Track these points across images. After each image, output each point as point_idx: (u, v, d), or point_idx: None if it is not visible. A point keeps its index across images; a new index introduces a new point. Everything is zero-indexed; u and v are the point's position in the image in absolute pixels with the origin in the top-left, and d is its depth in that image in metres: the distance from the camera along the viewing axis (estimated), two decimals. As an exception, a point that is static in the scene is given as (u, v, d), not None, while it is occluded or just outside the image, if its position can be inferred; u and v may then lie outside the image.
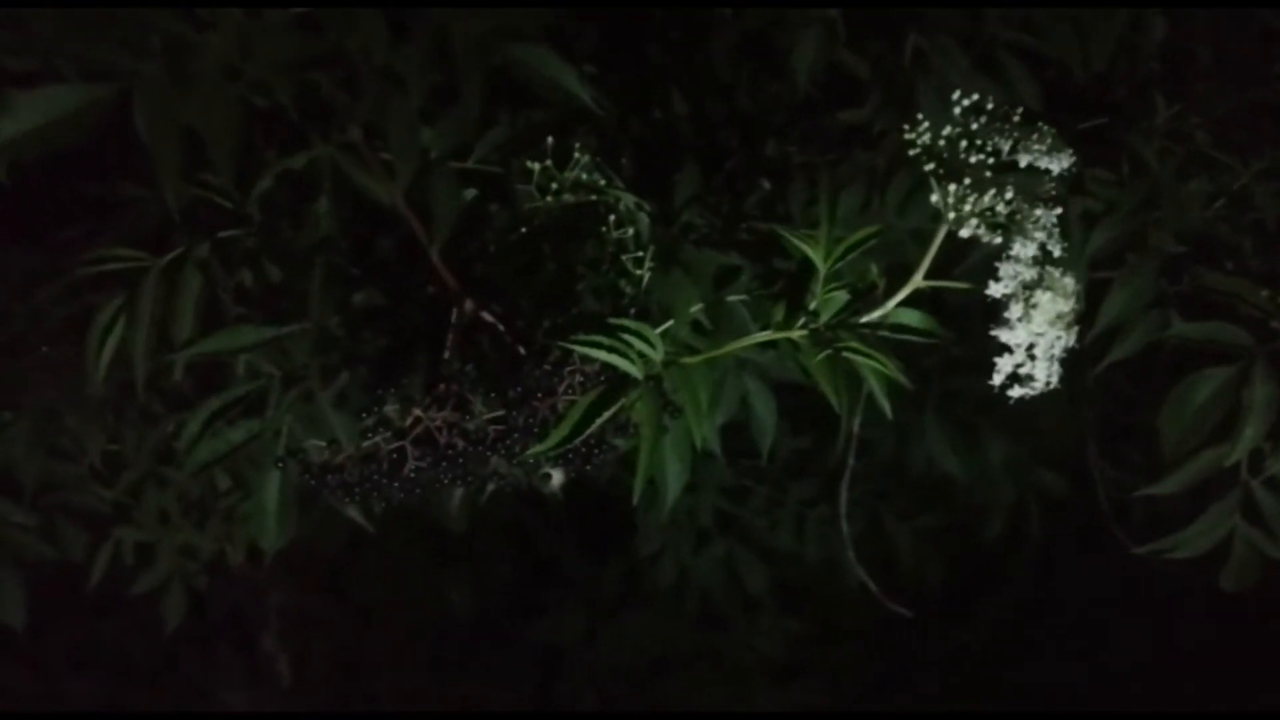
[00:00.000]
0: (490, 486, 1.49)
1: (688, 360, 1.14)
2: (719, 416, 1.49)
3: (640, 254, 1.19)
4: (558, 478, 1.59)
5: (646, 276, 1.21)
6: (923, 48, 1.51)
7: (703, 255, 1.24)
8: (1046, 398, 2.35)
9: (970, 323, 1.94)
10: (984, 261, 1.06)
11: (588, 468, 1.30)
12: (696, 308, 1.25)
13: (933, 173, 1.01)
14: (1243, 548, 1.55)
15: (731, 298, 1.26)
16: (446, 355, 1.12)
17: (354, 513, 1.51)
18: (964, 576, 2.54)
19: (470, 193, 1.23)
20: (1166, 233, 1.50)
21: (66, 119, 1.18)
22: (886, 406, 1.16)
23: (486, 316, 1.16)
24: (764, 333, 1.15)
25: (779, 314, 1.14)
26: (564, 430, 1.05)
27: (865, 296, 1.12)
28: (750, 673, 2.91)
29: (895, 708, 2.96)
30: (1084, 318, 1.47)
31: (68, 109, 1.18)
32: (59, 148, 1.23)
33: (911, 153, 1.02)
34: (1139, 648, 2.71)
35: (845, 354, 1.09)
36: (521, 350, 1.12)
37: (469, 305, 1.17)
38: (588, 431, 1.05)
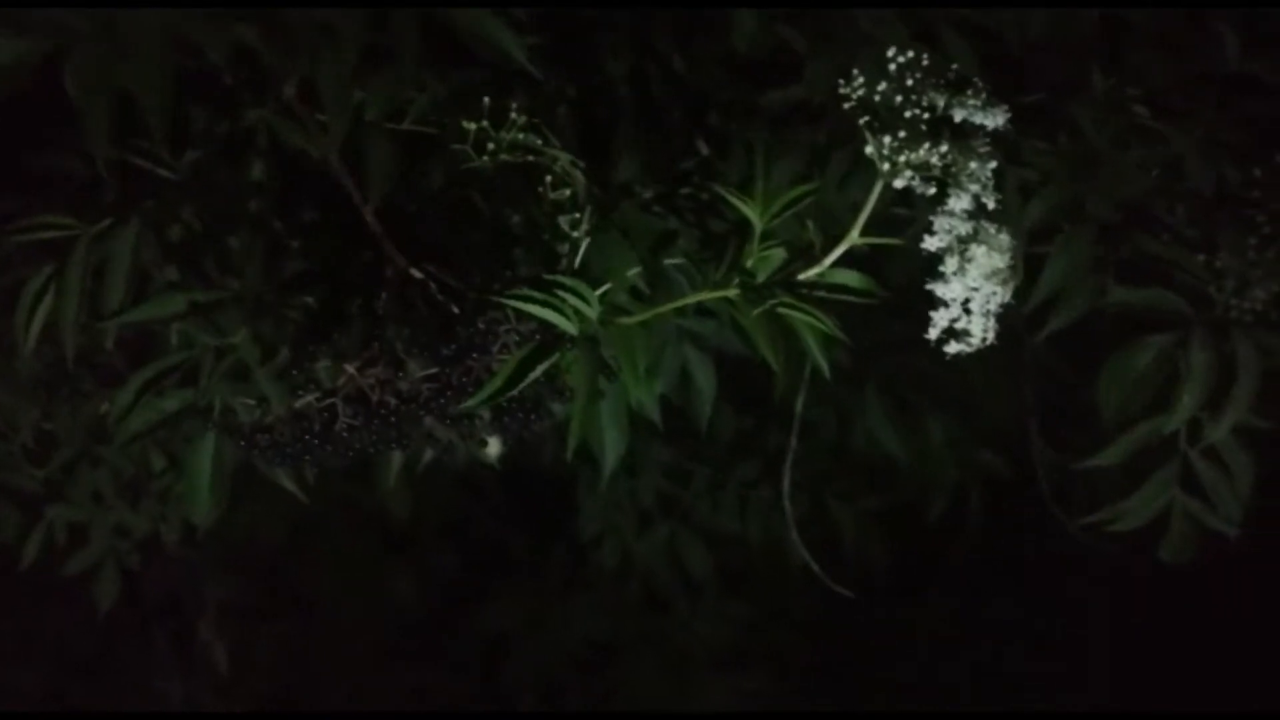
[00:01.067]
0: (428, 456, 1.48)
1: (624, 320, 1.14)
2: (658, 386, 1.48)
3: (577, 215, 1.18)
4: (495, 446, 1.57)
5: (583, 240, 1.20)
6: (860, 21, 1.51)
7: (640, 218, 1.23)
8: (986, 376, 2.37)
9: (911, 301, 1.95)
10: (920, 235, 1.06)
11: (525, 434, 1.29)
12: (633, 271, 1.24)
13: (867, 125, 1.01)
14: (1181, 520, 1.56)
15: (669, 261, 1.25)
16: (380, 314, 1.11)
17: (287, 482, 1.48)
18: (907, 559, 2.55)
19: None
20: (1104, 201, 1.51)
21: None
22: (825, 365, 1.15)
23: (420, 275, 1.15)
24: (701, 292, 1.14)
25: (716, 273, 1.13)
26: (497, 383, 1.04)
27: (802, 256, 1.12)
28: (694, 658, 2.91)
29: (840, 692, 2.97)
30: (1022, 290, 1.48)
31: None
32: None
33: (846, 105, 1.01)
34: (1083, 629, 2.74)
35: (782, 311, 1.09)
36: (455, 309, 1.10)
37: (403, 264, 1.15)
38: (520, 386, 1.04)
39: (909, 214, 1.15)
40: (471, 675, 3.16)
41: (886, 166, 0.99)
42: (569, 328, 1.07)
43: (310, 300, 1.19)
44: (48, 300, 1.50)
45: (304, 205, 1.33)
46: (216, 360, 1.46)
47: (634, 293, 1.32)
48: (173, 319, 1.47)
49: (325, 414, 1.08)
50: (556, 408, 1.30)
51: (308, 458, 1.17)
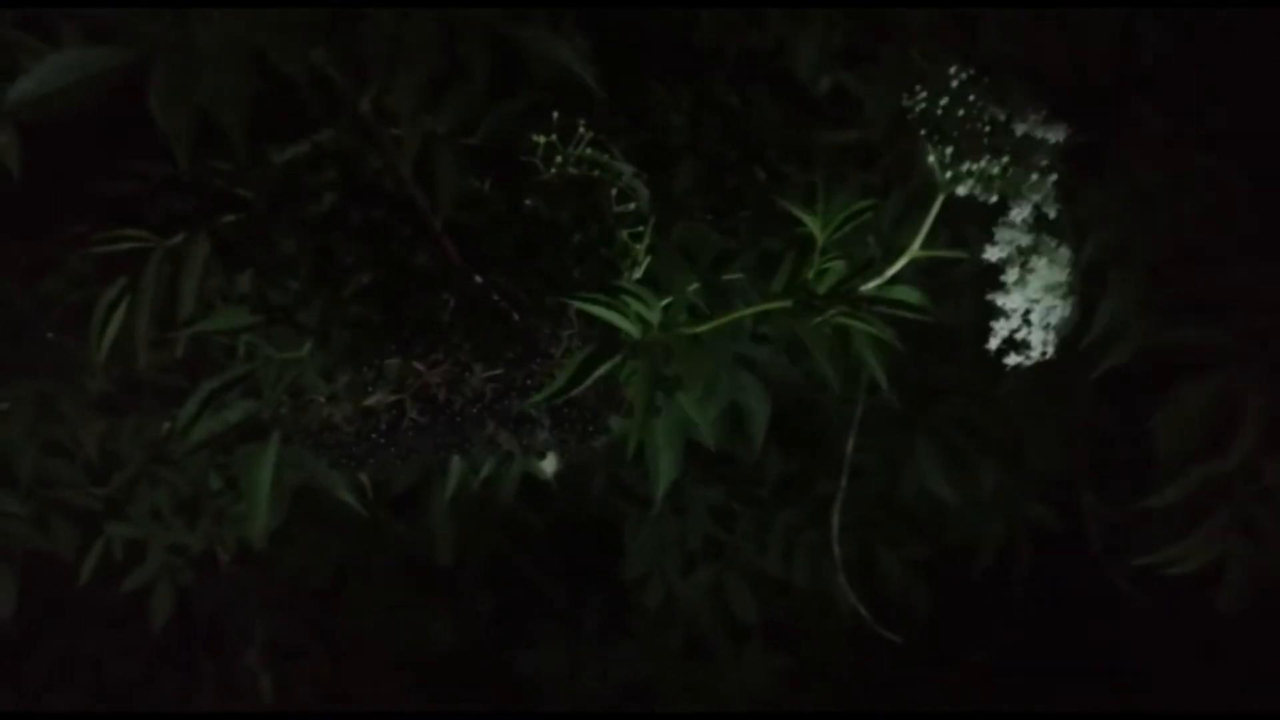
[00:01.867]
0: (486, 469, 1.50)
1: (686, 330, 1.16)
2: (712, 408, 1.49)
3: (640, 229, 1.21)
4: (551, 463, 1.59)
5: (644, 255, 1.22)
6: (916, 61, 1.54)
7: (700, 233, 1.26)
8: (1035, 424, 2.35)
9: (961, 347, 1.96)
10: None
11: (581, 448, 1.30)
12: (693, 286, 1.26)
13: (928, 136, 1.03)
14: (1237, 565, 1.54)
15: (727, 277, 1.28)
16: (447, 320, 1.14)
17: (347, 495, 1.50)
18: (953, 610, 2.53)
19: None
20: (1155, 242, 1.52)
21: (84, 81, 1.20)
22: (883, 378, 1.17)
23: (486, 284, 1.18)
24: (761, 303, 1.16)
25: (777, 285, 1.16)
26: (560, 382, 1.06)
27: (861, 270, 1.14)
28: (734, 708, 2.89)
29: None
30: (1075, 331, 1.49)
31: (87, 72, 1.20)
32: (72, 110, 1.25)
33: (909, 118, 1.04)
34: (1129, 686, 2.69)
35: (842, 322, 1.10)
36: (518, 314, 1.13)
37: (468, 270, 1.18)
38: (582, 386, 1.06)
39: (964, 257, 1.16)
40: (508, 720, 3.15)
41: (948, 175, 1.02)
42: (632, 331, 1.09)
43: (377, 306, 1.22)
44: (120, 312, 1.55)
45: (373, 217, 1.36)
46: (280, 372, 1.50)
47: (691, 311, 1.35)
48: (242, 330, 1.50)
49: (393, 412, 1.10)
50: (614, 421, 1.32)
51: (371, 459, 1.19)
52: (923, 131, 1.04)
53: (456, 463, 1.44)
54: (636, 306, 1.10)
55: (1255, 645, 2.33)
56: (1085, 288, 1.52)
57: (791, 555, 2.41)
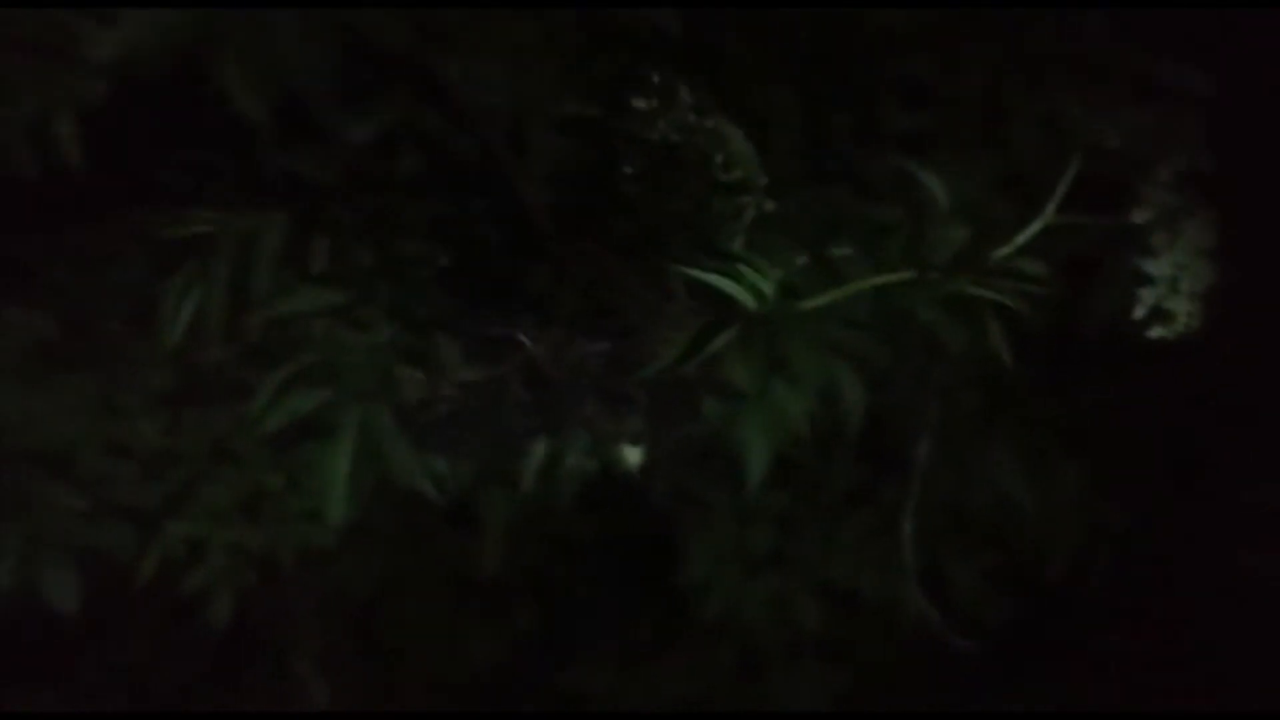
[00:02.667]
0: (569, 460, 1.44)
1: (798, 305, 1.10)
2: (807, 393, 1.43)
3: (747, 197, 1.16)
4: (635, 455, 1.54)
5: (748, 225, 1.16)
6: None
7: (809, 199, 1.20)
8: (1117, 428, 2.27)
9: (1050, 349, 1.88)
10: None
11: (677, 429, 1.24)
12: (801, 259, 1.20)
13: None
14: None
15: (836, 251, 1.22)
16: (545, 290, 1.08)
17: (425, 483, 1.44)
18: (1025, 621, 2.45)
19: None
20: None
21: (165, 39, 1.15)
22: (1007, 354, 1.10)
23: (584, 253, 1.12)
24: (878, 275, 1.10)
25: (893, 254, 1.10)
26: (676, 352, 1.01)
27: (985, 238, 1.08)
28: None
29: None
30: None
31: (169, 28, 1.15)
32: (153, 70, 1.21)
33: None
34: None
35: (967, 291, 1.04)
36: (624, 285, 1.07)
37: (571, 244, 1.13)
38: (699, 358, 1.00)
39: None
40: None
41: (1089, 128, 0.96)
42: (748, 301, 1.03)
43: (469, 280, 1.17)
44: (193, 298, 1.50)
45: (462, 193, 1.31)
46: (362, 357, 1.45)
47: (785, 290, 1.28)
48: (320, 311, 1.46)
49: (494, 387, 1.04)
50: (710, 407, 1.27)
51: (465, 441, 1.14)
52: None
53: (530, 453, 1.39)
54: (751, 276, 1.04)
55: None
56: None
57: (860, 564, 2.34)
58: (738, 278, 1.03)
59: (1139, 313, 1.00)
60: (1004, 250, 1.06)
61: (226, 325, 1.51)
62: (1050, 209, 1.03)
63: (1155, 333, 1.01)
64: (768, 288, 1.05)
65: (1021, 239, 1.05)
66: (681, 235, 1.15)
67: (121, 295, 1.88)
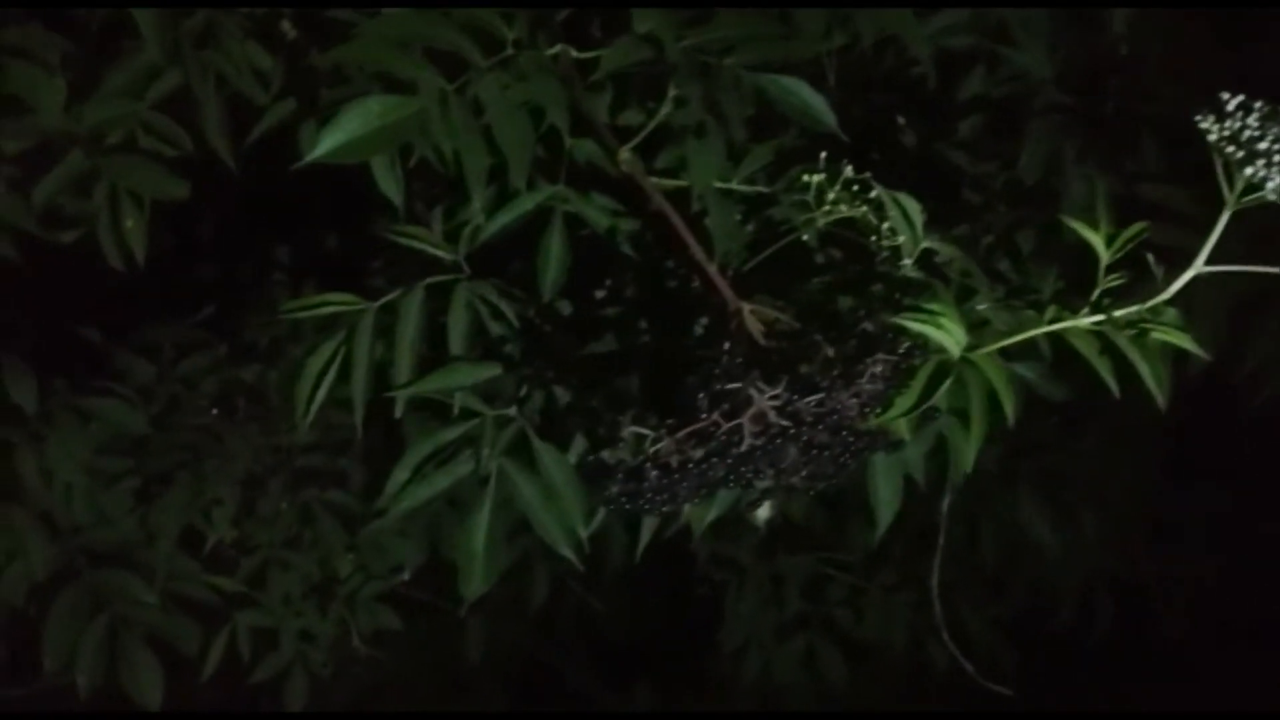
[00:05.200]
0: (711, 513, 1.51)
1: (984, 350, 1.20)
2: (921, 447, 1.53)
3: (907, 261, 1.27)
4: (766, 510, 1.62)
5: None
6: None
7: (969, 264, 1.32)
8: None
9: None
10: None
11: (822, 485, 1.30)
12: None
13: (1231, 155, 1.11)
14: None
15: (980, 306, 1.33)
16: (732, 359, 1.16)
17: (566, 550, 1.49)
18: (1038, 669, 2.56)
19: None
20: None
21: (382, 131, 1.22)
22: (1161, 398, 1.21)
23: (771, 318, 1.21)
24: (1051, 324, 1.22)
25: (1053, 309, 1.22)
26: (910, 399, 1.10)
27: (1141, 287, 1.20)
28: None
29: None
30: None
31: (385, 121, 1.22)
32: (367, 158, 1.28)
33: (1211, 138, 1.12)
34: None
35: (1136, 338, 1.16)
36: (821, 344, 1.16)
37: (751, 310, 1.21)
38: (930, 402, 1.10)
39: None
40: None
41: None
42: (954, 348, 1.14)
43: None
44: (330, 376, 1.54)
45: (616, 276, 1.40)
46: (496, 430, 1.51)
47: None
48: (459, 388, 1.51)
49: (727, 435, 1.12)
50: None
51: (658, 498, 1.20)
52: (1228, 150, 1.11)
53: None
54: (950, 323, 1.14)
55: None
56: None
57: (890, 617, 2.44)
58: (939, 325, 1.13)
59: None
60: (1159, 299, 1.19)
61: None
62: (1200, 262, 1.16)
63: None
64: (960, 333, 1.15)
65: (1173, 289, 1.18)
66: (857, 294, 1.25)
67: (198, 387, 1.91)
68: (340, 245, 1.83)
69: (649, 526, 1.63)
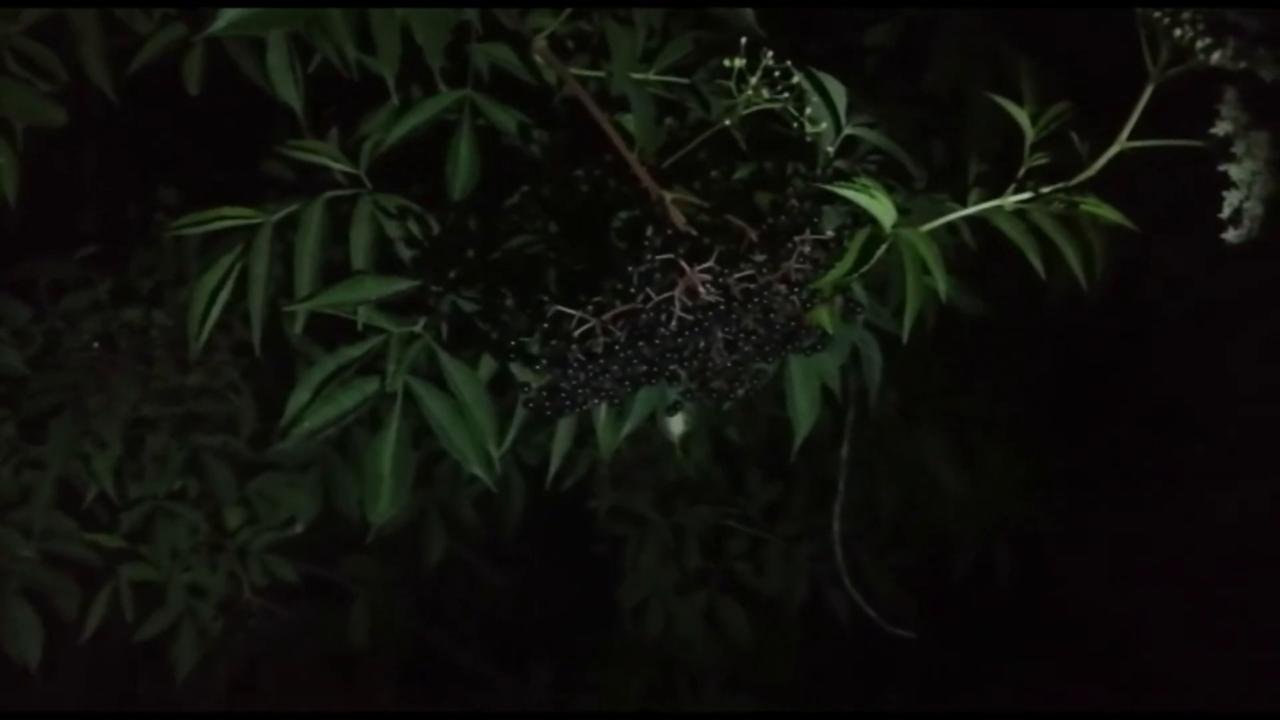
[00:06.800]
0: (628, 424, 1.46)
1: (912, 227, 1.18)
2: (837, 358, 1.50)
3: (830, 149, 1.25)
4: (679, 424, 1.58)
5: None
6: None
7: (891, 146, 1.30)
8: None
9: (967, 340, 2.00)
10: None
11: (731, 396, 1.27)
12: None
13: (1158, 21, 1.11)
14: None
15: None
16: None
17: (479, 469, 1.43)
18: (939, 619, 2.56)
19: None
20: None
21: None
22: (1084, 280, 1.21)
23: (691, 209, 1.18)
24: (974, 206, 1.21)
25: (976, 192, 1.21)
26: (846, 265, 1.08)
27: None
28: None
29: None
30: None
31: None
32: (270, 30, 1.22)
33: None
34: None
35: (1063, 216, 1.16)
36: (745, 228, 1.13)
37: (673, 200, 1.18)
38: (864, 269, 1.08)
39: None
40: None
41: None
42: (887, 218, 1.12)
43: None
44: (224, 293, 1.47)
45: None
46: (402, 347, 1.45)
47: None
48: (362, 303, 1.45)
49: (657, 310, 1.08)
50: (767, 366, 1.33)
51: (580, 392, 1.16)
52: (1156, 14, 1.11)
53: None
54: (882, 196, 1.12)
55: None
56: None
57: (790, 569, 2.42)
58: (871, 195, 1.11)
59: (1225, 211, 1.13)
60: (1084, 176, 1.18)
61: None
62: (1123, 136, 1.16)
63: (1230, 235, 1.14)
64: (892, 209, 1.13)
65: (1098, 165, 1.17)
66: (782, 177, 1.23)
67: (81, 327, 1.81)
68: (229, 180, 1.74)
69: (558, 453, 1.59)
